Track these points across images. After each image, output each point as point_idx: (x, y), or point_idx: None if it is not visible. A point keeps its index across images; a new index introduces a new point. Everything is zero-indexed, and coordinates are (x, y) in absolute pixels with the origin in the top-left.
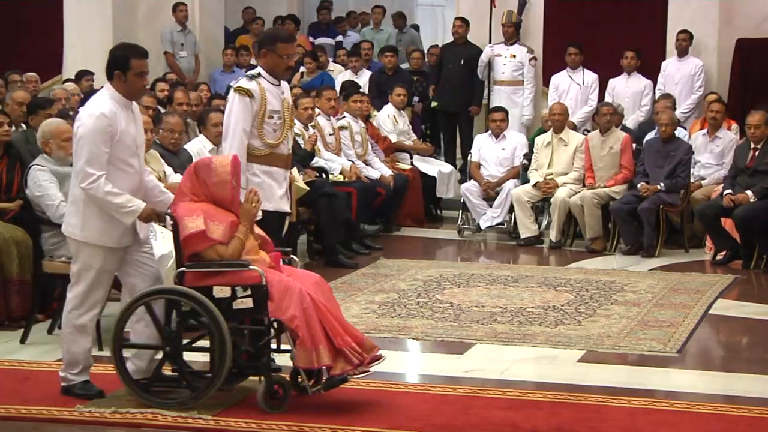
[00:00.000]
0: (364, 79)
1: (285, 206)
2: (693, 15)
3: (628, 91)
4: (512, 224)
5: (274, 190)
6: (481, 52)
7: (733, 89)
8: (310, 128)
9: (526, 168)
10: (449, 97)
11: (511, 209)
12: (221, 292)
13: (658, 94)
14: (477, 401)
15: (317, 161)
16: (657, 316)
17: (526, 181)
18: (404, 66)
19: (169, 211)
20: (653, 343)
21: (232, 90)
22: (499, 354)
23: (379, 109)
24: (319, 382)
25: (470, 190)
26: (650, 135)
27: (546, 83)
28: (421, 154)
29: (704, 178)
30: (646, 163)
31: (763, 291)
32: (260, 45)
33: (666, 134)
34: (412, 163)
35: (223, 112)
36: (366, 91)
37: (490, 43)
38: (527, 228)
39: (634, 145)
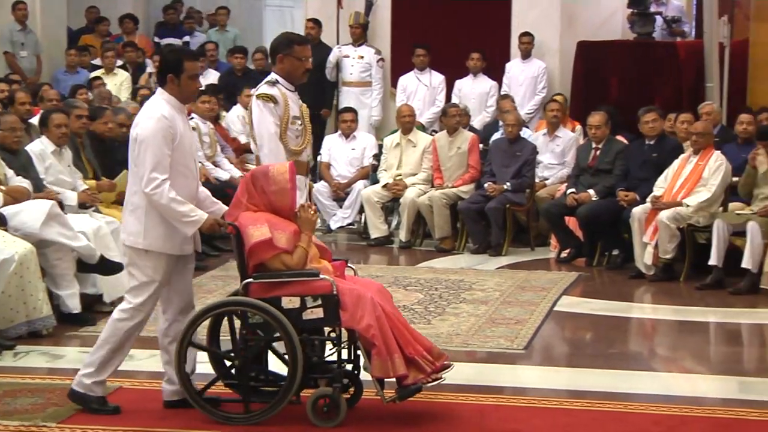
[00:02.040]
0: (209, 79)
1: None
2: (536, 18)
3: (474, 92)
4: (362, 225)
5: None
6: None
7: (575, 91)
8: None
9: (375, 168)
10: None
11: (361, 210)
12: (290, 302)
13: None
14: None
15: None
16: (504, 314)
17: (375, 181)
18: (251, 67)
19: (227, 221)
20: (501, 340)
21: (254, 98)
22: None
23: (228, 111)
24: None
25: (320, 190)
26: (496, 135)
27: (394, 84)
28: None
29: (547, 179)
30: (493, 163)
31: (605, 287)
32: (276, 51)
33: (512, 134)
34: None
35: (65, 112)
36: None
37: (338, 44)
38: (377, 228)
39: (480, 145)
